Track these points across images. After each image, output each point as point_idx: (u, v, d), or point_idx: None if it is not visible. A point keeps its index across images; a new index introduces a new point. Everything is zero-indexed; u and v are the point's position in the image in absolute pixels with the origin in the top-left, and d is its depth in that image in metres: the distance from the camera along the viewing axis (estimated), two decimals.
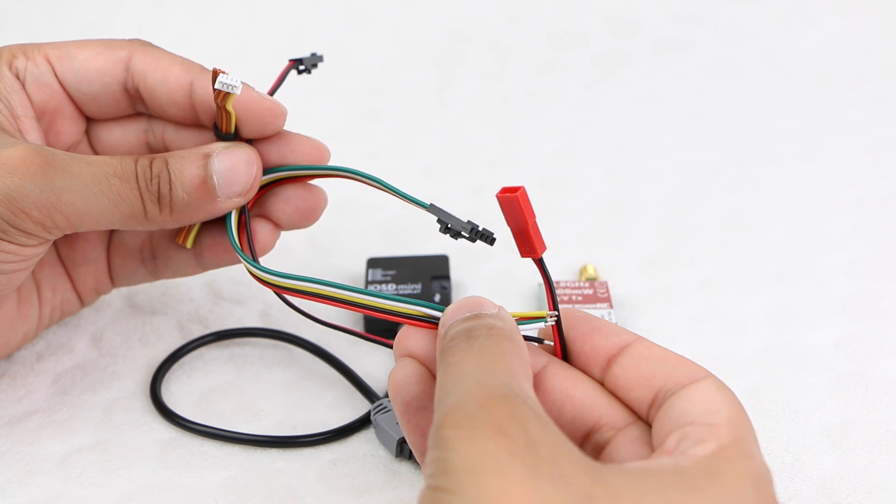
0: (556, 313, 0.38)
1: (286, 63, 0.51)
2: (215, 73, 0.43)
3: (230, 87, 0.43)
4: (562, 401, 0.38)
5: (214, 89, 0.43)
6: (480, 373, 0.34)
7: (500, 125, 0.78)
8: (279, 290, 0.43)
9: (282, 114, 0.47)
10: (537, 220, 0.37)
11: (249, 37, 0.90)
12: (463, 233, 0.39)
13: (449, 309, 0.38)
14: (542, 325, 0.39)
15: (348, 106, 0.80)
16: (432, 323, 0.39)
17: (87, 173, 0.43)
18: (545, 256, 0.38)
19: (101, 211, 0.43)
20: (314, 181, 0.49)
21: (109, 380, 0.52)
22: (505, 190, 0.36)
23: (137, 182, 0.44)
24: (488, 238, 0.39)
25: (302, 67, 0.51)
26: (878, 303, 0.57)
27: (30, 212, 0.42)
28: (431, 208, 0.41)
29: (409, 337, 0.39)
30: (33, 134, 0.47)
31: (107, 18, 0.93)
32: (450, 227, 0.40)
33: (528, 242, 0.37)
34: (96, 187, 0.43)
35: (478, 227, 0.39)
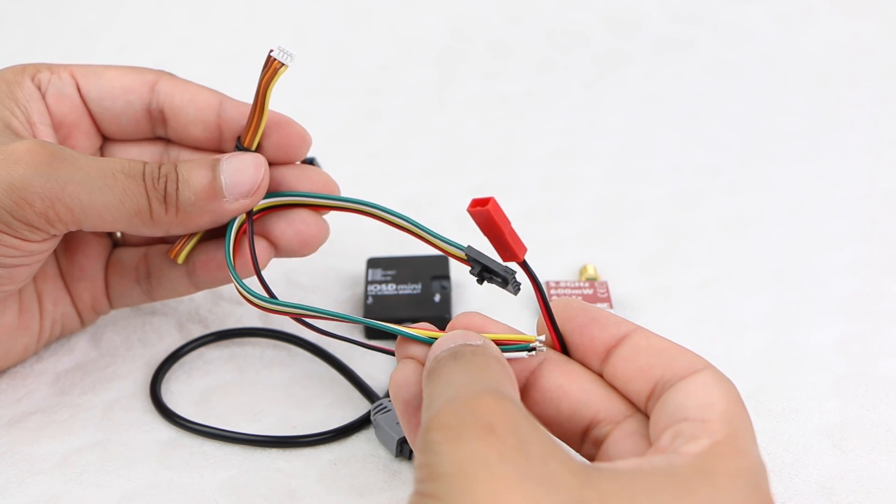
0: (544, 338, 0.39)
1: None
2: (270, 52, 0.44)
3: (286, 56, 0.44)
4: (558, 398, 0.38)
5: (269, 57, 0.44)
6: (468, 378, 0.34)
7: (500, 125, 0.78)
8: (270, 313, 0.43)
9: (308, 141, 0.48)
10: (513, 225, 0.37)
11: (249, 37, 0.90)
12: (498, 277, 0.39)
13: (436, 342, 0.38)
14: (524, 355, 0.38)
15: (348, 106, 0.80)
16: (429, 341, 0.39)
17: (94, 167, 0.43)
18: (532, 259, 0.38)
19: (105, 206, 0.43)
20: (326, 215, 0.49)
21: (109, 380, 0.52)
22: (475, 203, 0.36)
23: (144, 180, 0.44)
24: (517, 288, 0.40)
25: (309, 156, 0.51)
26: (878, 303, 0.57)
27: (33, 202, 0.42)
28: (469, 250, 0.40)
29: (409, 340, 0.40)
30: (47, 140, 0.47)
31: (107, 18, 0.93)
32: (484, 271, 0.40)
33: (508, 249, 0.37)
34: (101, 181, 0.43)
35: (515, 274, 0.39)
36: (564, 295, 0.56)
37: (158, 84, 0.48)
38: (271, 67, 0.44)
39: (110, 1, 0.95)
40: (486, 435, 0.30)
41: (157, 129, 0.50)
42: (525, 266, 0.38)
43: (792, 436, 0.48)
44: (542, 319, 0.39)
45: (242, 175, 0.45)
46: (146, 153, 0.50)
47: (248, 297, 0.43)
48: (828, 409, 0.49)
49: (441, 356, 0.36)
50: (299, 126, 0.48)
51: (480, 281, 0.40)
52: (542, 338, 0.38)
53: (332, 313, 0.42)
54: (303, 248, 0.49)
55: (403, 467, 0.47)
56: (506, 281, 0.39)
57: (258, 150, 0.47)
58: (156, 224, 0.45)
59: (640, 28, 0.90)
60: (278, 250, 0.49)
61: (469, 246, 0.41)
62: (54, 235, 0.44)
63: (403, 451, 0.47)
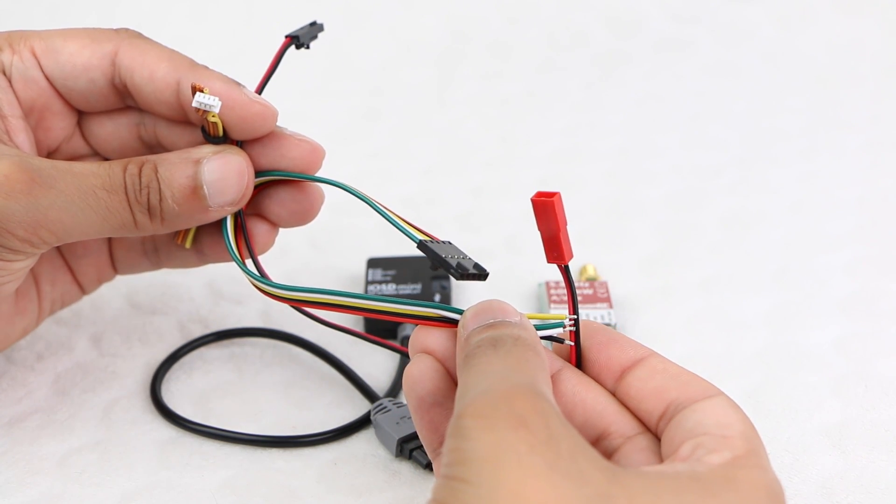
0: (575, 317, 0.39)
1: (282, 41, 0.48)
2: (194, 89, 0.43)
3: (207, 106, 0.43)
4: (574, 404, 0.38)
5: (195, 109, 0.43)
6: (505, 371, 0.34)
7: (500, 125, 0.78)
8: (284, 302, 0.42)
9: (271, 116, 0.46)
10: (568, 227, 0.37)
11: (249, 37, 0.90)
12: (451, 272, 0.38)
13: (470, 312, 0.38)
14: (560, 329, 0.39)
15: (348, 106, 0.80)
16: (448, 322, 0.39)
17: (74, 187, 0.42)
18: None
19: (89, 224, 0.43)
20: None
21: (109, 380, 0.52)
22: (540, 194, 0.36)
23: (126, 194, 0.43)
24: (479, 276, 0.39)
25: (300, 42, 0.48)
26: (878, 303, 0.57)
27: (15, 231, 0.41)
28: (420, 246, 0.40)
29: (426, 333, 0.39)
30: (21, 135, 0.46)
31: (107, 18, 0.92)
32: (436, 265, 0.39)
33: (557, 249, 0.37)
34: (83, 202, 0.42)
35: (467, 269, 0.38)
36: (564, 295, 0.56)
37: (118, 56, 0.46)
38: (202, 116, 0.44)
39: (110, 1, 0.95)
40: (518, 427, 0.31)
41: (128, 100, 0.48)
42: (566, 271, 0.38)
43: (792, 436, 0.48)
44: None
45: (227, 185, 0.44)
46: (123, 124, 0.49)
47: (264, 287, 0.43)
48: (827, 408, 0.49)
49: (480, 342, 0.36)
50: (257, 104, 0.45)
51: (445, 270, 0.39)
52: (574, 317, 0.39)
53: (348, 294, 0.41)
54: (303, 221, 0.49)
55: (403, 467, 0.47)
56: (458, 277, 0.38)
57: (224, 135, 0.45)
58: (141, 231, 0.44)
59: (640, 28, 0.90)
60: (282, 226, 0.49)
61: (420, 241, 0.40)
62: (37, 253, 0.44)
63: (403, 450, 0.47)
